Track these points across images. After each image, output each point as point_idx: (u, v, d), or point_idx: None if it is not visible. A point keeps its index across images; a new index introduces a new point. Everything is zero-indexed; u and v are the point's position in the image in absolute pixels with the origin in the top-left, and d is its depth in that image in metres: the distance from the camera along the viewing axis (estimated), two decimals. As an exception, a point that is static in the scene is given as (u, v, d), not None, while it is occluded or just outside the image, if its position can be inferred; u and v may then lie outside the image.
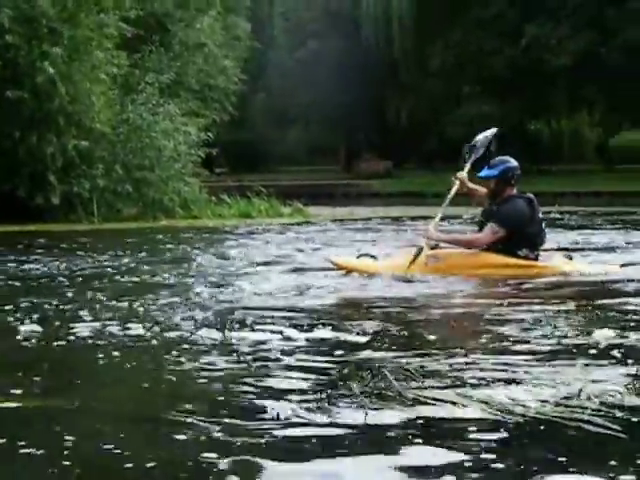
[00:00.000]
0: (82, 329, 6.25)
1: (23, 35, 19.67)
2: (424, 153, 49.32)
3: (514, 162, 9.57)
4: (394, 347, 5.60)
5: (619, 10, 40.31)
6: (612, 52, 40.53)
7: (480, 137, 10.09)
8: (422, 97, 48.12)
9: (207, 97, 27.49)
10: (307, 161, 53.94)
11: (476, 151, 10.00)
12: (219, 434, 3.78)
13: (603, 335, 5.85)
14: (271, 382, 4.71)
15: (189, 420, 3.95)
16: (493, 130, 10.21)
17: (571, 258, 9.81)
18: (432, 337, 5.98)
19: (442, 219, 10.05)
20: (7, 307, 7.31)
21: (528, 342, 5.72)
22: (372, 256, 9.73)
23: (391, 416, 3.99)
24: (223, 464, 3.38)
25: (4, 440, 3.67)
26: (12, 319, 6.76)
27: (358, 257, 9.78)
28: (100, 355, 5.44)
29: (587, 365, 4.96)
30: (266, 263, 10.96)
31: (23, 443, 3.61)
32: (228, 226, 19.08)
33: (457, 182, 9.85)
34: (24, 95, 19.53)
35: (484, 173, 9.59)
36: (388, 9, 47.66)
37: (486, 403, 4.16)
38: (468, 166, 9.96)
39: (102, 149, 20.86)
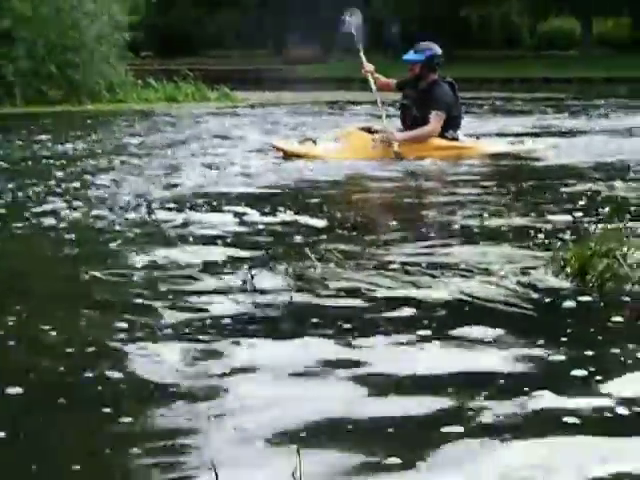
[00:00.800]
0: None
1: None
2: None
3: (438, 49, 9.81)
4: (324, 231, 5.65)
5: None
6: None
7: (350, 20, 10.23)
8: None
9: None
10: (236, 45, 53.03)
11: (358, 36, 10.17)
12: (151, 302, 3.81)
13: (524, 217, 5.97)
14: (198, 257, 4.73)
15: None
16: (358, 14, 10.35)
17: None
18: (362, 222, 6.04)
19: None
20: None
21: (453, 226, 5.80)
22: (313, 141, 9.74)
23: (312, 298, 4.04)
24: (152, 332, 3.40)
25: None
26: None
27: (300, 142, 9.82)
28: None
29: (507, 246, 5.05)
30: (201, 147, 10.89)
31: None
32: (156, 110, 18.84)
33: (369, 76, 10.02)
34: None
35: (410, 57, 9.79)
36: None
37: (409, 283, 4.22)
38: (363, 55, 10.09)
39: (23, 30, 20.25)
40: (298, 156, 9.39)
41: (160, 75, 23.46)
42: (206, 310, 3.79)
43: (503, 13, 47.78)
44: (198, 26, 53.10)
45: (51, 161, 9.56)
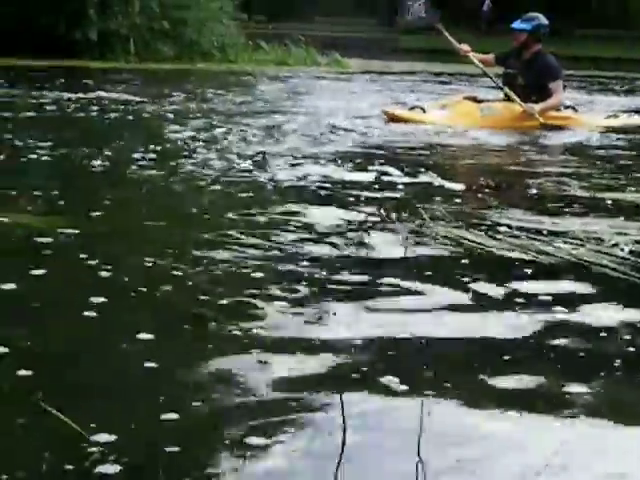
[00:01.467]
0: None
1: None
2: (466, 11, 48.17)
3: (545, 19, 9.87)
4: (433, 192, 5.69)
5: None
6: None
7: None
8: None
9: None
10: (352, 12, 52.92)
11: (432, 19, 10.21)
12: (254, 261, 3.88)
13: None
14: (311, 217, 4.80)
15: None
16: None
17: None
18: (472, 185, 6.04)
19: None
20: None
21: (564, 196, 5.77)
22: (422, 108, 9.81)
23: (426, 251, 4.10)
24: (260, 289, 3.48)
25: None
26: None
27: (410, 109, 9.87)
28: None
29: (619, 219, 5.01)
30: (314, 110, 10.92)
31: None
32: (268, 72, 18.92)
33: (470, 55, 10.08)
34: None
35: (518, 25, 9.85)
36: None
37: (517, 245, 4.24)
38: (451, 39, 10.19)
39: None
40: (408, 121, 9.41)
41: (270, 38, 23.55)
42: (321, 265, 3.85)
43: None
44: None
45: (169, 116, 9.68)
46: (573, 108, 10.28)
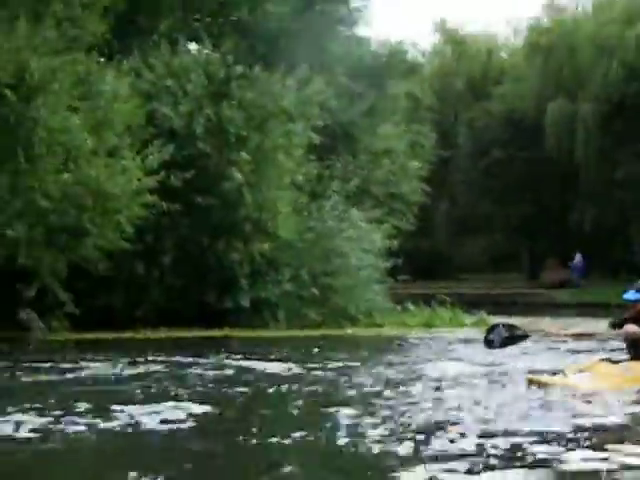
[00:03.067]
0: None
1: (213, 144, 20.32)
2: (610, 262, 48.13)
3: None
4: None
5: None
6: None
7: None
8: (607, 205, 47.36)
9: (391, 207, 27.74)
10: (488, 269, 53.47)
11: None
12: None
13: None
14: None
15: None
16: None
17: None
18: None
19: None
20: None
21: None
22: (563, 372, 9.82)
23: None
24: None
25: None
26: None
27: (553, 374, 9.89)
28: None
29: None
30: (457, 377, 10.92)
31: None
32: (413, 336, 19.02)
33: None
34: (213, 202, 20.05)
35: (634, 297, 10.18)
36: (572, 116, 47.28)
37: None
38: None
39: (288, 255, 21.17)
40: (551, 386, 9.33)
41: (417, 298, 23.86)
42: None
43: None
44: (453, 250, 54.12)
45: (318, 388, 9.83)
46: None
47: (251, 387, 9.89)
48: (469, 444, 6.34)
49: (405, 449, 6.18)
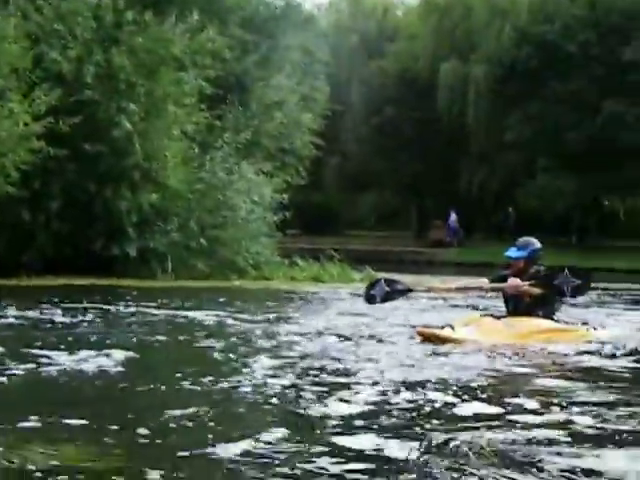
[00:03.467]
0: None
1: (103, 91, 19.99)
2: (493, 225, 49.06)
3: (539, 243, 10.56)
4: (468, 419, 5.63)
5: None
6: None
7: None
8: (496, 167, 48.15)
9: (282, 160, 27.71)
10: (378, 226, 54.03)
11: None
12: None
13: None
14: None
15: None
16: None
17: None
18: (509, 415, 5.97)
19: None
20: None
21: (603, 430, 5.68)
22: (451, 326, 9.93)
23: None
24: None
25: None
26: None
27: (441, 327, 9.96)
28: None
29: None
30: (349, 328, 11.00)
31: None
32: (302, 289, 19.13)
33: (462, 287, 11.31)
34: (102, 149, 19.77)
35: (515, 254, 10.45)
36: (464, 78, 47.80)
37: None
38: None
39: (177, 205, 21.03)
40: (441, 340, 9.51)
41: (306, 253, 23.95)
42: None
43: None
44: (343, 206, 54.50)
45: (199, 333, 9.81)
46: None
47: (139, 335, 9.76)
48: (368, 396, 6.39)
49: (306, 403, 6.17)
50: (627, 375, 8.01)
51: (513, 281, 10.23)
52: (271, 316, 12.56)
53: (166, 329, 10.50)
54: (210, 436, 4.98)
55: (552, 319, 10.32)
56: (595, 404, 6.34)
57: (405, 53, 51.86)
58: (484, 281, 10.77)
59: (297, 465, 4.41)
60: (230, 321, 11.72)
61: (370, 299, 10.97)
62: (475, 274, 23.23)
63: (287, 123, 27.45)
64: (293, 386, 6.71)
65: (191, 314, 12.33)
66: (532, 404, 6.25)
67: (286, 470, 4.33)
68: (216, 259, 21.20)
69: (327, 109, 32.76)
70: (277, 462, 4.47)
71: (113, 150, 19.86)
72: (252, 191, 22.74)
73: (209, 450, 4.67)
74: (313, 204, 48.85)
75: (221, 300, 15.22)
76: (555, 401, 6.42)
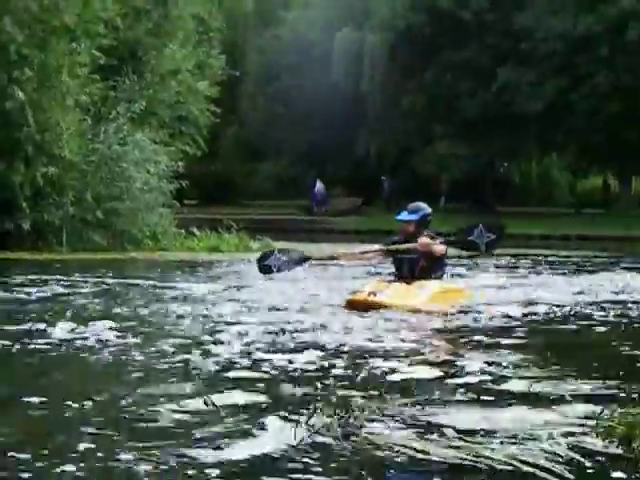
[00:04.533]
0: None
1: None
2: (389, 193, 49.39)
3: (429, 208, 10.83)
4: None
5: (589, 57, 40.80)
6: (582, 98, 41.02)
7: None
8: (392, 135, 48.41)
9: (179, 129, 27.51)
10: (277, 196, 54.00)
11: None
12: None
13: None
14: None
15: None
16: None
17: None
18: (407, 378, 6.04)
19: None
20: None
21: (492, 387, 5.79)
22: (373, 293, 10.01)
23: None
24: None
25: None
26: None
27: (368, 294, 10.04)
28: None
29: (550, 412, 5.04)
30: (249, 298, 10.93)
31: None
32: (199, 260, 19.06)
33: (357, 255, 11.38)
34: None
35: (406, 217, 10.67)
36: (360, 46, 47.89)
37: (454, 448, 4.23)
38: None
39: (72, 178, 20.73)
40: (371, 307, 9.64)
41: (203, 224, 23.81)
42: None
43: (543, 170, 48.51)
44: (241, 175, 54.34)
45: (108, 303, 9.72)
46: None
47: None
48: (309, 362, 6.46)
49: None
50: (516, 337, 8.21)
51: (423, 239, 10.41)
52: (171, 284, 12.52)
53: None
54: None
55: (442, 280, 10.75)
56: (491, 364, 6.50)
57: (301, 21, 51.77)
58: (379, 247, 10.88)
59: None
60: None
61: (265, 270, 10.97)
62: (371, 241, 23.50)
63: (183, 92, 27.20)
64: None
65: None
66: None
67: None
68: (113, 231, 21.00)
69: (223, 74, 32.47)
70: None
71: (5, 122, 19.49)
72: (148, 161, 22.49)
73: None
74: (211, 174, 48.63)
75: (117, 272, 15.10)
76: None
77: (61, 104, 20.37)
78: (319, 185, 46.80)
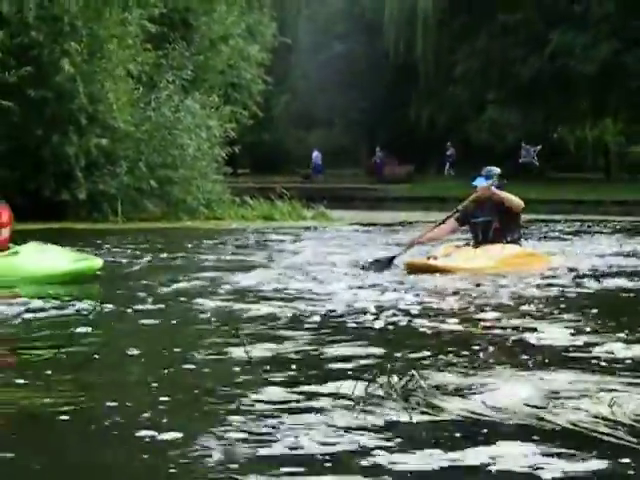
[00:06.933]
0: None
1: (47, 33, 19.69)
2: (442, 160, 49.14)
3: (498, 169, 10.87)
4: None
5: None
6: (637, 60, 40.38)
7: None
8: (445, 102, 48.05)
9: (231, 95, 27.45)
10: (328, 164, 53.84)
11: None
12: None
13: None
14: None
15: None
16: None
17: None
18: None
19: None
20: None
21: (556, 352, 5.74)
22: (434, 257, 10.24)
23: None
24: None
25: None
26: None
27: (427, 258, 10.27)
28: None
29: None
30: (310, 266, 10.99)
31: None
32: (254, 228, 19.06)
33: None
34: (47, 94, 19.58)
35: (483, 182, 10.69)
36: (412, 12, 47.52)
37: (503, 410, 4.21)
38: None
39: (125, 147, 20.84)
40: (430, 270, 9.87)
41: (256, 192, 23.84)
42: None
43: (597, 137, 47.81)
44: (293, 143, 54.19)
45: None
46: None
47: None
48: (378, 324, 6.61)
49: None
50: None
51: (482, 187, 10.58)
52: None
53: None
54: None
55: (519, 245, 10.87)
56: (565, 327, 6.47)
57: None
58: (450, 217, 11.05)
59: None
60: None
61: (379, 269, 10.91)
62: (426, 209, 23.39)
63: (234, 57, 27.14)
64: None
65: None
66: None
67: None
68: (167, 200, 21.10)
69: (274, 43, 32.37)
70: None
71: (58, 94, 19.63)
72: (200, 127, 22.51)
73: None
74: (263, 143, 48.58)
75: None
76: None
77: (112, 74, 20.46)
78: (315, 153, 47.17)
